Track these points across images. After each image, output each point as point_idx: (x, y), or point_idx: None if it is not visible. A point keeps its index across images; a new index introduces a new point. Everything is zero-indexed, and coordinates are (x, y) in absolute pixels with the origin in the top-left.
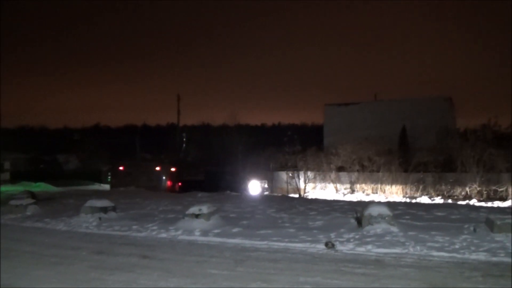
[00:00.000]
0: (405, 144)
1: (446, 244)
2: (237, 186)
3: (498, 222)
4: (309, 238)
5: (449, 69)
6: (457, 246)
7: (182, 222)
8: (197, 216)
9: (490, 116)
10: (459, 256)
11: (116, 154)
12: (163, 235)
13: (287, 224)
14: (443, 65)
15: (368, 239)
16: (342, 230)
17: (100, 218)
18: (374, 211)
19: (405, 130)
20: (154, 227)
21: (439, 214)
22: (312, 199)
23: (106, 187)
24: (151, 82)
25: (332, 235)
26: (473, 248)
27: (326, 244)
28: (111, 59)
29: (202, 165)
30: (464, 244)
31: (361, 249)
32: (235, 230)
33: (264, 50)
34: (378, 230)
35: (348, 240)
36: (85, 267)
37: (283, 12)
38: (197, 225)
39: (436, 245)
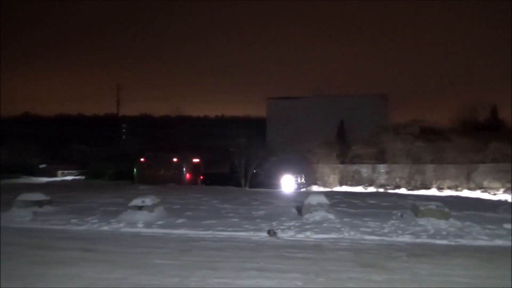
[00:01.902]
0: (343, 138)
1: (377, 229)
2: (268, 182)
3: (422, 208)
4: (253, 227)
5: (385, 67)
6: (386, 230)
7: (125, 214)
8: (140, 208)
9: (419, 112)
10: (388, 239)
11: (48, 145)
12: (105, 228)
13: (231, 214)
14: (379, 62)
15: (308, 226)
16: (283, 218)
17: (34, 213)
18: (313, 200)
19: (343, 124)
20: (95, 220)
21: (372, 202)
22: (255, 191)
23: (42, 180)
24: (88, 72)
25: (274, 223)
26: (400, 232)
27: (269, 232)
28: (43, 47)
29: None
30: (392, 228)
31: (301, 236)
32: (180, 221)
33: (206, 41)
34: (317, 218)
35: (289, 228)
36: (26, 263)
37: (228, 2)
38: (141, 217)
39: (368, 229)
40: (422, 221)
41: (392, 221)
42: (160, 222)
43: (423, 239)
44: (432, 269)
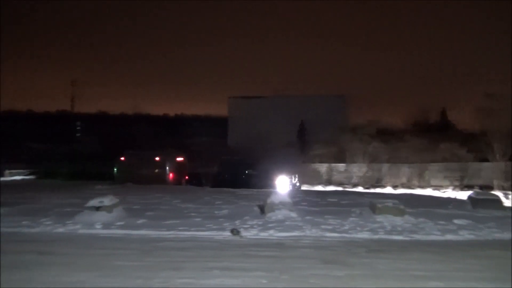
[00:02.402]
0: (303, 138)
1: (337, 226)
2: (262, 182)
3: (379, 206)
4: (216, 226)
5: (344, 68)
6: (346, 227)
7: (81, 215)
8: (98, 208)
9: (376, 113)
10: (348, 235)
11: None
12: (60, 230)
13: (193, 214)
14: (339, 64)
15: (271, 225)
16: (246, 217)
17: None
18: (276, 199)
19: (303, 124)
20: (49, 222)
21: (332, 200)
22: (218, 190)
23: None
24: (40, 67)
25: (237, 222)
26: (359, 229)
27: (232, 231)
28: None
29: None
30: (352, 225)
31: (264, 234)
32: (140, 221)
33: (166, 38)
34: (279, 216)
35: (252, 227)
36: None
37: (190, 1)
38: (99, 218)
39: (329, 227)
40: (379, 218)
41: (351, 219)
42: (119, 223)
43: (381, 235)
44: (389, 264)
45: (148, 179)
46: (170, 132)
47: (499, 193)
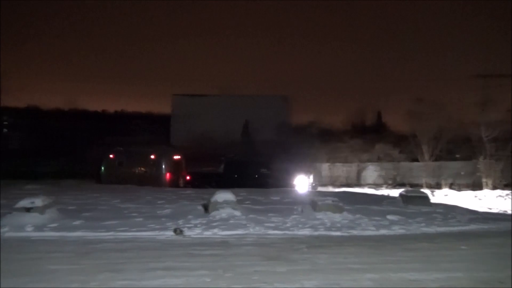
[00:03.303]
0: (247, 137)
1: (280, 224)
2: (278, 182)
3: (320, 203)
4: (158, 226)
5: (288, 69)
6: (288, 225)
7: (10, 217)
8: (28, 210)
9: (317, 114)
10: (290, 232)
11: None
12: None
13: (134, 214)
14: (283, 64)
15: (215, 223)
16: (190, 216)
17: None
18: (219, 197)
19: (247, 124)
20: None
21: (275, 198)
22: (161, 189)
23: None
24: None
25: (181, 221)
26: (300, 226)
27: (175, 231)
28: None
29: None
30: (294, 222)
31: (208, 233)
32: (76, 222)
33: (105, 32)
34: (223, 215)
35: (196, 226)
36: None
37: None
38: (29, 220)
39: (272, 224)
40: (320, 215)
41: (293, 216)
42: (53, 225)
43: (321, 232)
44: (329, 258)
45: (141, 180)
46: (109, 129)
47: (427, 191)
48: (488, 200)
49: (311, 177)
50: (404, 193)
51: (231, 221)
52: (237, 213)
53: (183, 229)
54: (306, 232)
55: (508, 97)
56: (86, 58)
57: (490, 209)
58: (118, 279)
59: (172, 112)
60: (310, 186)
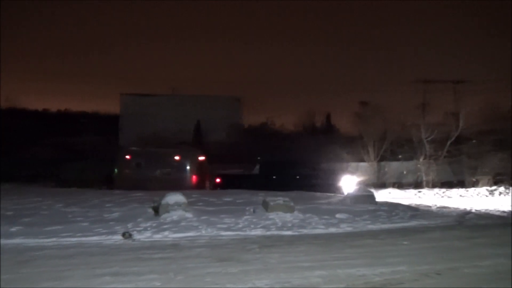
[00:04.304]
0: (200, 138)
1: (232, 225)
2: (320, 183)
3: (271, 203)
4: (105, 230)
5: (241, 70)
6: (240, 225)
7: None
8: None
9: (270, 116)
10: (242, 233)
11: None
12: None
13: (79, 218)
14: (236, 65)
15: (165, 226)
16: (139, 219)
17: None
18: (170, 199)
19: (199, 124)
20: None
21: (227, 199)
22: (107, 192)
23: None
24: None
25: (130, 225)
26: (252, 226)
27: (123, 234)
28: None
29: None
30: (246, 223)
31: (158, 236)
32: (14, 229)
33: (48, 30)
34: (174, 217)
35: (145, 229)
36: None
37: None
38: None
39: (224, 226)
40: (271, 215)
41: (246, 217)
42: None
43: (273, 231)
44: (280, 258)
45: (163, 183)
46: (51, 128)
47: (372, 190)
48: (427, 198)
49: (357, 177)
50: (351, 192)
51: (183, 223)
52: (189, 215)
53: (132, 233)
54: (258, 232)
55: (446, 101)
56: (26, 55)
57: (430, 206)
58: (62, 287)
59: (120, 112)
60: (358, 187)
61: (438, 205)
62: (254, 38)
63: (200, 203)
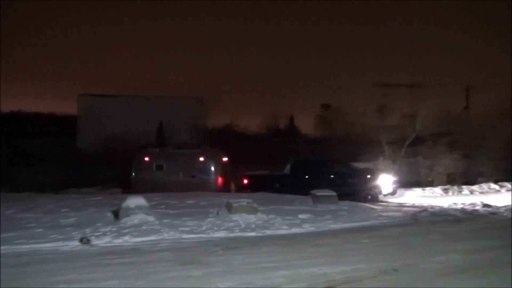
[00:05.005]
0: (162, 140)
1: (195, 227)
2: (357, 182)
3: (235, 205)
4: (61, 237)
5: (204, 71)
6: (204, 228)
7: None
8: None
9: (234, 117)
10: (205, 236)
11: None
12: None
13: (33, 224)
14: (199, 67)
15: (126, 230)
16: (98, 224)
17: None
18: (131, 203)
19: (162, 126)
20: None
21: (190, 202)
22: (64, 196)
23: None
24: None
25: (88, 230)
26: (216, 228)
27: (81, 240)
28: None
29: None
30: (209, 225)
31: (118, 241)
32: None
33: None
34: (135, 221)
35: (104, 234)
36: None
37: None
38: None
39: (187, 228)
40: (235, 217)
41: (209, 219)
42: None
43: (236, 233)
44: (243, 259)
45: (187, 186)
46: (2, 131)
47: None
48: (387, 197)
49: (393, 175)
50: (314, 192)
51: (144, 227)
52: (151, 218)
53: (90, 238)
54: (221, 234)
55: (404, 103)
56: None
57: (388, 205)
58: None
59: (78, 113)
60: (394, 186)
61: (396, 204)
62: (217, 39)
63: (162, 206)
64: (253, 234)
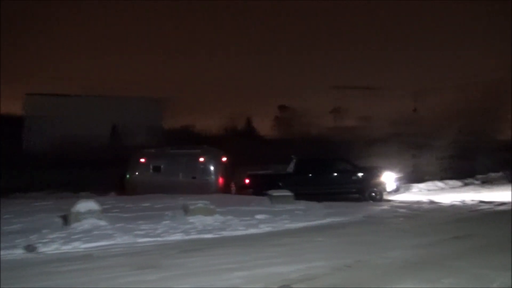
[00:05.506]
0: (116, 141)
1: (150, 231)
2: (361, 180)
3: (191, 207)
4: (4, 244)
5: (161, 72)
6: (159, 231)
7: None
8: None
9: (192, 118)
10: (161, 239)
11: None
12: None
13: None
14: (156, 67)
15: (76, 236)
16: (45, 230)
17: None
18: (82, 207)
19: (115, 127)
20: None
21: (145, 205)
22: (7, 201)
23: None
24: None
25: (34, 237)
26: (172, 231)
27: (27, 248)
28: None
29: None
30: (165, 228)
31: (67, 247)
32: None
33: None
34: (86, 226)
35: (52, 240)
36: None
37: None
38: None
39: (142, 232)
40: (192, 219)
41: (165, 222)
42: None
43: (193, 235)
44: (200, 261)
45: (186, 188)
46: None
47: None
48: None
49: (396, 173)
50: (271, 193)
51: (95, 232)
52: (103, 223)
53: (37, 246)
54: (177, 237)
55: (358, 106)
56: None
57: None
58: None
59: (25, 114)
60: (397, 183)
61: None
62: (176, 41)
63: (116, 210)
64: (210, 236)
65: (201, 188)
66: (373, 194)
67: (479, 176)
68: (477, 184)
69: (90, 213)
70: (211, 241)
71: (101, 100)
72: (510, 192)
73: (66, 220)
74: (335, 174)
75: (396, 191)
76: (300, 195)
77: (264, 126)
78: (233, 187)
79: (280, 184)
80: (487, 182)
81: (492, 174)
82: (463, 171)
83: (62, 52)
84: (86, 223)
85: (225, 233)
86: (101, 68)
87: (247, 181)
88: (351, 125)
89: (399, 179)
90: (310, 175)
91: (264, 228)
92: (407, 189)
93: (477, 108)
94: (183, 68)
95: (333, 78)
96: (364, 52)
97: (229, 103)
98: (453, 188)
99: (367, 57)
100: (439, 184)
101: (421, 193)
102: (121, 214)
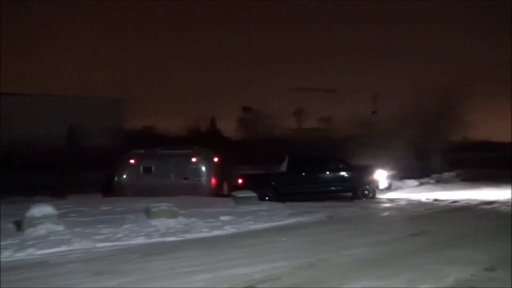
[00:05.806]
0: (73, 142)
1: (110, 235)
2: (354, 178)
3: (154, 210)
4: None
5: (121, 72)
6: (120, 235)
7: None
8: None
9: (154, 119)
10: (121, 243)
11: None
12: None
13: None
14: (116, 67)
15: (30, 242)
16: None
17: None
18: (37, 212)
19: (73, 128)
20: None
21: (105, 208)
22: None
23: None
24: None
25: None
26: (133, 235)
27: None
28: None
29: None
30: (126, 232)
31: (21, 254)
32: None
33: None
34: (42, 231)
35: (5, 247)
36: None
37: None
38: None
39: (101, 237)
40: (154, 222)
41: (126, 226)
42: None
43: (155, 239)
44: (163, 265)
45: (178, 190)
46: None
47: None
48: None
49: (388, 170)
50: (235, 194)
51: (52, 238)
52: (59, 228)
53: None
54: (139, 241)
55: (320, 107)
56: None
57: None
58: None
59: None
60: (389, 181)
61: (315, 203)
62: (139, 41)
63: (73, 214)
64: (173, 238)
65: (193, 189)
66: (366, 192)
67: (434, 176)
68: (432, 183)
69: (45, 217)
70: (174, 244)
71: (57, 100)
72: (462, 191)
73: (19, 225)
74: (328, 172)
75: (389, 188)
76: (293, 194)
77: (229, 127)
78: (225, 187)
79: (273, 183)
80: (441, 181)
81: (446, 174)
82: (419, 171)
83: (19, 50)
84: (42, 229)
85: (189, 236)
86: (61, 68)
87: (240, 181)
88: (313, 127)
89: (391, 177)
90: (303, 174)
91: (229, 230)
92: None
93: (432, 111)
94: (146, 69)
95: (296, 80)
96: (327, 54)
97: (192, 105)
98: (410, 187)
99: (329, 60)
100: (397, 183)
101: (382, 193)
102: (80, 218)
